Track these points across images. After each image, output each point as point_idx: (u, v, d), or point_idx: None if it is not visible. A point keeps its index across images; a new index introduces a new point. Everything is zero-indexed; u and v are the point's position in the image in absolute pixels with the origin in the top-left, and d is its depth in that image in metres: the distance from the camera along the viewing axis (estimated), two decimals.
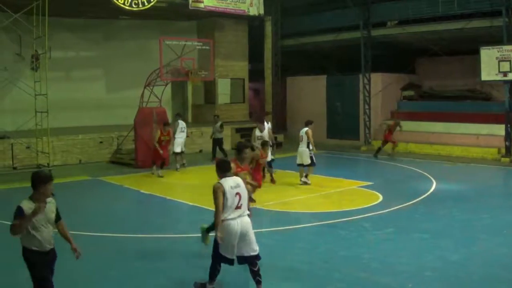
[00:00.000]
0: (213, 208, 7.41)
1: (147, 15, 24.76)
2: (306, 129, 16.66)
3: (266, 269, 8.91)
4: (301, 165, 16.76)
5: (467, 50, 25.12)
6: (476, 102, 26.26)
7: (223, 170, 7.66)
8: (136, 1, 21.94)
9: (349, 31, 27.49)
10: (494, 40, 22.21)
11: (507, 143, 22.15)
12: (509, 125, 22.09)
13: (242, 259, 7.59)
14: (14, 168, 19.50)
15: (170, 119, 22.84)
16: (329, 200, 14.73)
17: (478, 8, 22.81)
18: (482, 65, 22.10)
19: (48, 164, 18.92)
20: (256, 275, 7.61)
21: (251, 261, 7.58)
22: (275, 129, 25.18)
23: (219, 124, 22.33)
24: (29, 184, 6.16)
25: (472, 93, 26.95)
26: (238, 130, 27.11)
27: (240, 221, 7.42)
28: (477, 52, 22.37)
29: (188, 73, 21.11)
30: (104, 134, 22.82)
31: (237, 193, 7.43)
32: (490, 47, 21.84)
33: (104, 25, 26.65)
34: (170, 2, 24.14)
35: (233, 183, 7.48)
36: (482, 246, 10.18)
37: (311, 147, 16.53)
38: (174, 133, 19.67)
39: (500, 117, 22.22)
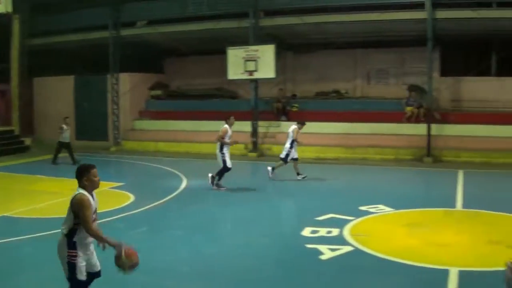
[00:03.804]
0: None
1: None
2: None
3: (19, 281, 8.07)
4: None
5: (216, 50, 25.66)
6: (224, 100, 27.13)
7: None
8: None
9: (99, 30, 26.61)
10: (241, 40, 23.11)
11: (253, 139, 23.25)
12: (254, 122, 23.19)
13: None
14: None
15: None
16: None
17: (227, 9, 23.62)
18: (229, 65, 22.95)
19: None
20: None
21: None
22: (21, 132, 23.64)
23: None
24: None
25: (219, 91, 27.78)
26: None
27: None
28: (225, 52, 23.10)
29: None
30: None
31: None
32: (237, 47, 22.73)
33: None
34: None
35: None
36: (236, 238, 10.30)
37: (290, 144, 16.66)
38: None
39: (246, 114, 23.11)
